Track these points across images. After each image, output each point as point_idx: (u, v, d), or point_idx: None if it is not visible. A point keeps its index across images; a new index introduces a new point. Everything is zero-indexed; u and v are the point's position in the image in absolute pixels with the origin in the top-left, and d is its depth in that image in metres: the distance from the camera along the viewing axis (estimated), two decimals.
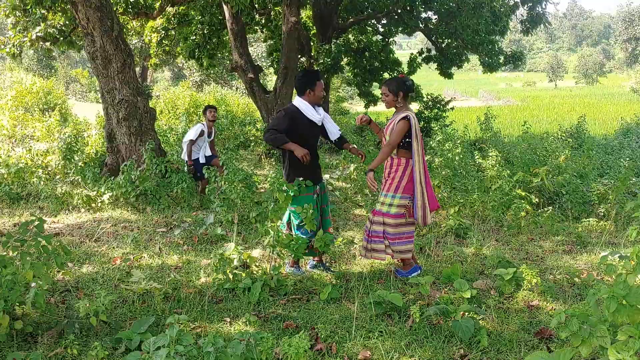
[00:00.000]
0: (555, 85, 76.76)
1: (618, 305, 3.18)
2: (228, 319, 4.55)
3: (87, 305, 4.14)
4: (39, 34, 12.58)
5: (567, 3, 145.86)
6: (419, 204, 5.49)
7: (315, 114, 5.53)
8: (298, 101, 5.54)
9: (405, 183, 5.50)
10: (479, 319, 4.40)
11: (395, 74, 20.67)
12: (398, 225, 5.55)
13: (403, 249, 5.61)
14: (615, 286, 3.24)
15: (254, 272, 5.33)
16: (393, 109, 5.64)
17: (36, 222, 4.39)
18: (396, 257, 5.69)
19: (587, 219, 8.55)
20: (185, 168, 9.49)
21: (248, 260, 5.32)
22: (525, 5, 18.55)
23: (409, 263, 5.76)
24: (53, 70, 48.61)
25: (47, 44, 13.32)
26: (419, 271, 5.75)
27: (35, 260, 4.28)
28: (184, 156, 9.57)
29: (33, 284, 4.12)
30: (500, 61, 19.39)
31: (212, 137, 9.81)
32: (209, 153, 9.72)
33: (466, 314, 4.35)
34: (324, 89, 5.60)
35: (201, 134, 9.52)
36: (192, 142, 9.42)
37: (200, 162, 9.56)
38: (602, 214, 8.84)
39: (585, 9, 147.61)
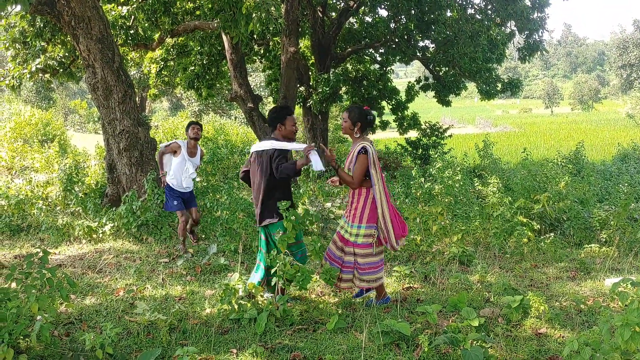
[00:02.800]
0: (552, 111, 77.09)
1: (632, 333, 3.16)
2: (235, 350, 4.51)
3: (93, 338, 4.10)
4: (38, 66, 12.64)
5: (561, 31, 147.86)
6: (383, 230, 5.50)
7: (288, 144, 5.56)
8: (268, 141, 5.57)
9: (368, 212, 5.50)
10: (488, 348, 4.37)
11: (393, 103, 20.80)
12: (367, 255, 5.54)
13: (373, 278, 5.57)
14: (629, 313, 3.22)
15: (260, 302, 5.29)
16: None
17: (40, 254, 4.37)
18: (363, 285, 5.61)
19: (589, 245, 8.54)
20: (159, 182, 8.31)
21: (253, 291, 5.29)
22: (522, 34, 18.73)
23: (381, 292, 5.74)
24: (52, 102, 48.73)
25: (47, 75, 13.38)
26: (388, 302, 5.75)
27: (39, 292, 4.25)
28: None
29: (38, 317, 4.09)
30: (498, 88, 19.53)
31: (196, 162, 8.06)
32: (189, 185, 7.92)
33: (475, 342, 4.31)
34: (295, 124, 5.66)
35: (175, 150, 7.86)
36: (161, 152, 7.97)
37: (176, 189, 7.86)
38: (604, 239, 8.82)
39: (579, 36, 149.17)
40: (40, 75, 12.98)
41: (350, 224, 5.58)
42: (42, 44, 12.40)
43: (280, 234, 5.32)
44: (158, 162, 8.08)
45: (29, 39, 12.06)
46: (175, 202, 7.80)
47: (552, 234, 8.39)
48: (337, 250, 5.66)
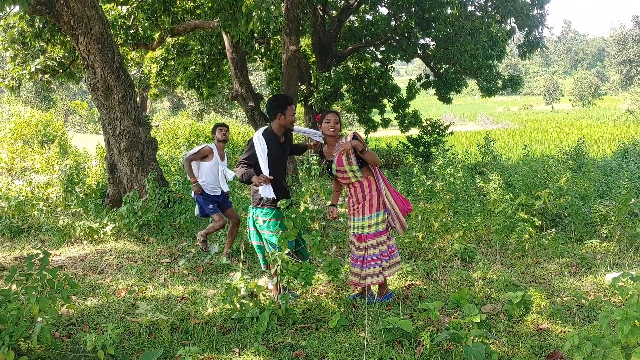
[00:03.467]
0: (552, 108, 77.06)
1: (632, 327, 3.16)
2: (237, 350, 4.51)
3: (94, 339, 4.10)
4: (38, 67, 12.64)
5: (561, 27, 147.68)
6: (393, 213, 5.61)
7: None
8: (256, 135, 5.53)
9: (379, 199, 5.61)
10: (490, 344, 4.36)
11: (394, 100, 20.80)
12: (380, 243, 5.60)
13: (375, 271, 5.57)
14: (629, 308, 3.22)
15: (262, 301, 5.29)
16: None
17: (41, 256, 4.37)
18: (365, 283, 5.63)
19: (590, 240, 8.54)
20: (192, 193, 7.78)
21: (255, 290, 5.29)
22: (522, 30, 18.72)
23: (383, 289, 5.76)
24: (52, 102, 48.78)
25: (47, 76, 13.38)
26: (391, 298, 5.78)
27: (39, 293, 4.24)
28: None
29: (39, 319, 4.09)
30: (499, 85, 19.52)
31: (225, 164, 7.87)
32: (226, 187, 7.78)
33: (477, 338, 4.30)
34: (294, 114, 5.62)
35: (206, 154, 7.62)
36: (189, 159, 7.64)
37: (213, 194, 7.66)
38: (605, 235, 8.82)
39: (579, 32, 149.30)
40: (40, 75, 12.98)
41: (368, 215, 5.60)
42: (42, 44, 12.40)
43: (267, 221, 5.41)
44: (186, 169, 7.66)
45: (28, 40, 12.06)
46: (211, 206, 7.61)
47: (553, 230, 8.38)
48: (357, 251, 5.69)
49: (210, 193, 7.62)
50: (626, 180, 11.43)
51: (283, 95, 5.73)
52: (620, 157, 20.44)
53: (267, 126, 5.58)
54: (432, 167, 11.51)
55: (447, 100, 20.48)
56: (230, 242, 7.68)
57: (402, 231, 5.72)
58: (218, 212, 7.65)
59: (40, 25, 11.73)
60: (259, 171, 5.38)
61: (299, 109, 21.63)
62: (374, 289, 5.86)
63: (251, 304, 5.14)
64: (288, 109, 5.51)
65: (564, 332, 4.82)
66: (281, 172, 5.63)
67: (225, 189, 7.74)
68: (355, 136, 5.53)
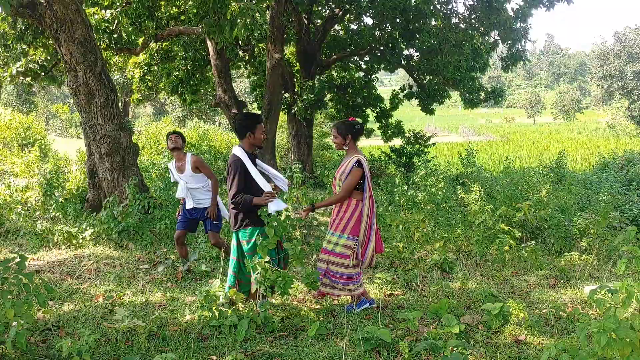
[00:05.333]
0: (534, 121, 77.68)
1: (608, 339, 3.18)
2: (215, 357, 4.47)
3: (70, 344, 4.05)
4: (19, 69, 12.54)
5: (544, 41, 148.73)
6: (366, 244, 5.61)
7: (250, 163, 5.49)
8: (238, 150, 5.49)
9: (352, 224, 5.58)
10: (468, 354, 4.37)
11: (377, 110, 20.86)
12: (342, 265, 5.59)
13: (354, 287, 5.66)
14: (605, 320, 3.24)
15: (240, 309, 5.26)
16: (343, 151, 5.78)
17: (18, 260, 4.31)
18: (344, 294, 5.72)
19: (570, 253, 8.60)
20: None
21: (234, 297, 5.26)
22: (505, 43, 18.86)
23: (358, 297, 5.77)
24: (33, 106, 48.36)
25: (28, 79, 13.27)
26: (369, 305, 5.78)
27: (15, 298, 4.18)
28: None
29: (14, 323, 4.03)
30: (481, 97, 19.65)
31: (189, 175, 7.00)
32: (191, 204, 7.00)
33: (455, 349, 4.31)
34: (264, 132, 5.58)
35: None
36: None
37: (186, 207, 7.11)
38: (584, 247, 8.89)
39: (561, 46, 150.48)
40: (21, 78, 12.89)
41: (332, 232, 5.62)
42: (24, 46, 12.31)
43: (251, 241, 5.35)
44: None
45: (9, 42, 11.96)
46: (179, 217, 7.18)
47: (533, 242, 8.44)
48: (321, 263, 5.74)
49: (183, 205, 7.14)
50: (605, 193, 11.56)
51: (251, 114, 5.70)
52: (600, 171, 20.65)
53: (239, 145, 5.55)
54: (414, 177, 11.56)
55: (430, 111, 20.56)
56: (183, 255, 7.28)
57: (368, 264, 5.71)
58: (179, 228, 7.15)
59: (23, 28, 11.64)
60: (252, 192, 5.34)
61: (282, 117, 21.62)
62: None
63: (230, 311, 5.11)
64: (257, 127, 5.50)
65: (541, 344, 4.84)
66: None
67: (189, 205, 7.00)
68: (356, 163, 5.51)
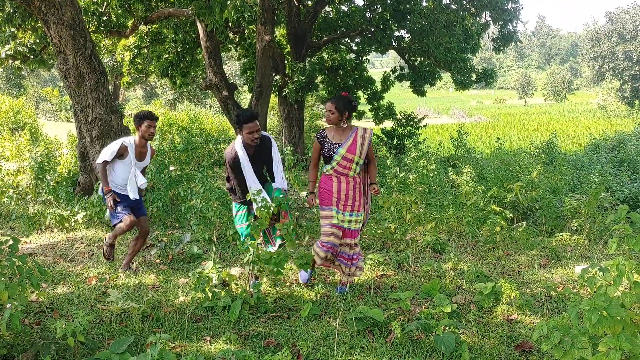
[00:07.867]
0: (525, 102, 77.78)
1: (599, 317, 3.22)
2: (208, 338, 4.50)
3: (64, 325, 4.05)
4: (8, 52, 12.42)
5: (535, 22, 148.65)
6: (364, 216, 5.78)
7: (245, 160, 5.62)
8: (238, 144, 5.65)
9: (365, 200, 5.70)
10: (460, 334, 4.41)
11: (369, 92, 20.83)
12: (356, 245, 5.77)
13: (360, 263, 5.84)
14: (596, 298, 3.28)
15: (234, 290, 5.28)
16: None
17: (10, 242, 4.30)
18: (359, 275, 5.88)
19: (561, 233, 8.67)
20: (105, 199, 6.17)
21: (227, 279, 5.27)
22: (497, 24, 18.85)
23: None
24: (22, 89, 47.97)
25: (17, 62, 13.16)
26: (307, 276, 5.97)
27: (9, 280, 4.18)
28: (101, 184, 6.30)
29: (8, 305, 4.03)
30: (472, 79, 19.65)
31: (146, 163, 6.47)
32: (135, 195, 6.22)
33: (447, 328, 4.35)
34: (252, 132, 5.51)
35: (121, 153, 6.14)
36: (104, 164, 6.10)
37: (124, 193, 6.24)
38: (575, 228, 8.95)
39: (553, 27, 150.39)
40: (10, 61, 12.78)
41: (357, 212, 5.62)
42: (12, 29, 12.19)
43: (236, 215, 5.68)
44: (101, 175, 6.14)
45: None
46: (119, 208, 6.16)
47: (524, 223, 8.49)
48: (346, 248, 5.71)
49: (120, 192, 6.22)
50: (596, 174, 11.59)
51: (242, 113, 5.61)
52: (591, 152, 20.74)
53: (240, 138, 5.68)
54: (406, 159, 11.56)
55: (421, 93, 20.57)
56: (133, 254, 6.54)
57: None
58: (129, 213, 6.17)
59: (11, 11, 11.52)
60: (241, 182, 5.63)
61: (273, 99, 21.55)
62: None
63: (223, 292, 5.13)
64: (244, 127, 5.51)
65: (533, 323, 4.90)
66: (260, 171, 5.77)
67: (134, 196, 6.22)
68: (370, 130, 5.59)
